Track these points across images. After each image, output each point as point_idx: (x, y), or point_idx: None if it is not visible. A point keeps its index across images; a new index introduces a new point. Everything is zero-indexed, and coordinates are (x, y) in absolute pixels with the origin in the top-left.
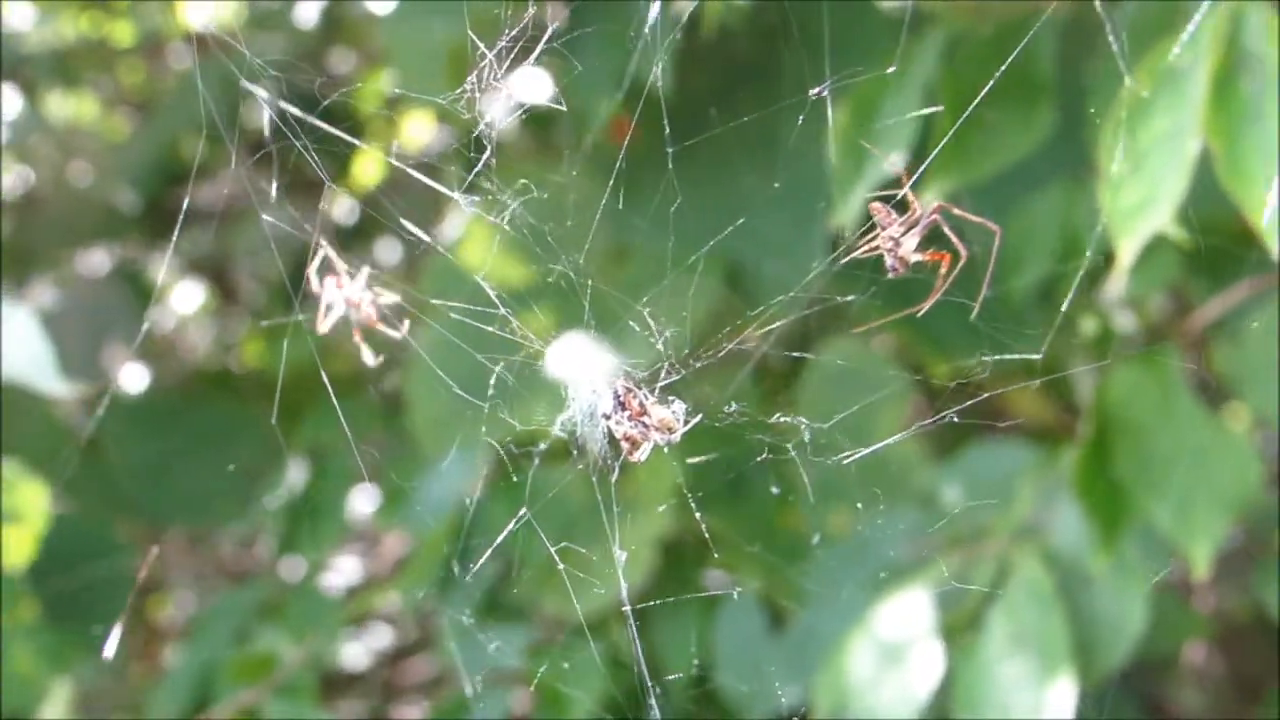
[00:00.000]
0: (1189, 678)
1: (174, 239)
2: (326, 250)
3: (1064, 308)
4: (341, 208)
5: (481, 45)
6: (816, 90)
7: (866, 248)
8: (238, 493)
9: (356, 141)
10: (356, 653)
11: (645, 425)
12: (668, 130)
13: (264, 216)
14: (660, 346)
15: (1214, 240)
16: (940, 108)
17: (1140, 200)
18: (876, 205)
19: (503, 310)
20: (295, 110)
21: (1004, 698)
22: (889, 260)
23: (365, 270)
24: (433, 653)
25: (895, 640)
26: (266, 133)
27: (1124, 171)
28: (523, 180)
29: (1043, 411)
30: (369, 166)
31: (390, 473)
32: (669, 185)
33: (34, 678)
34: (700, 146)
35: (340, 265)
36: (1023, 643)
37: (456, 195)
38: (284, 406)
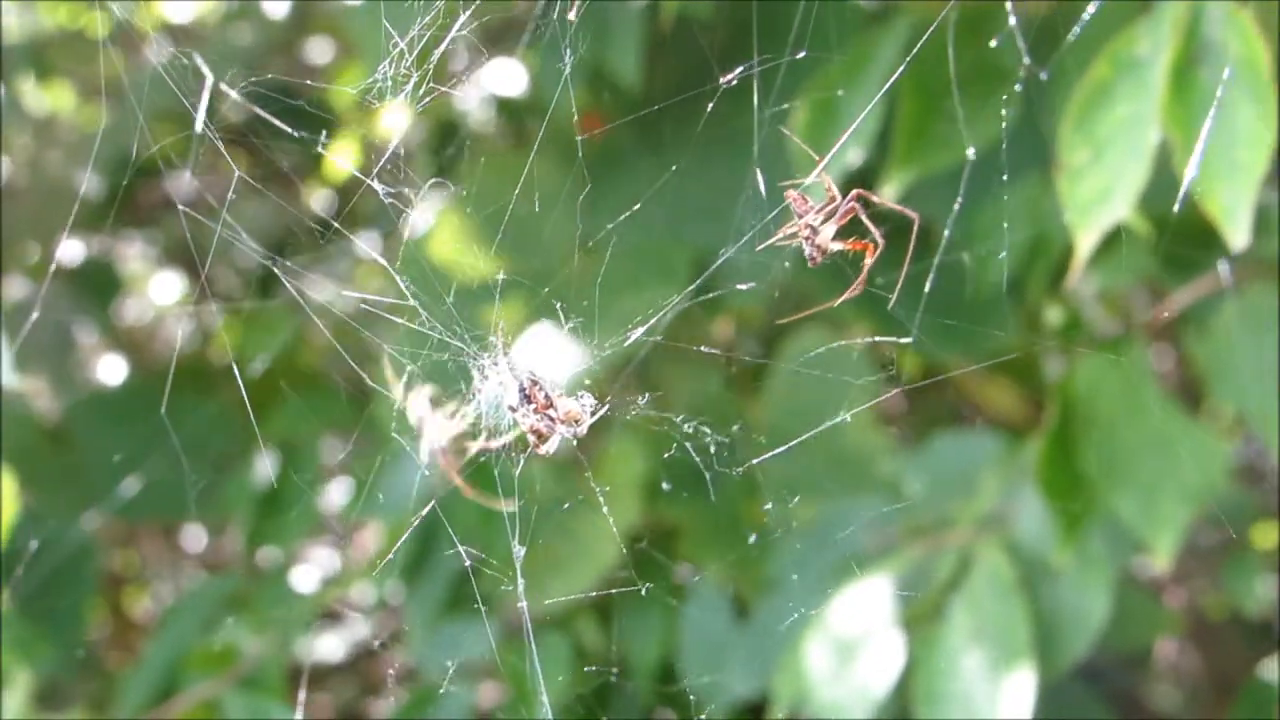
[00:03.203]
0: (1165, 674)
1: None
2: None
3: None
4: (318, 200)
5: (395, 35)
6: (727, 79)
7: (783, 236)
8: (208, 485)
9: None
10: (332, 646)
11: (551, 418)
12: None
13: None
14: (568, 333)
15: (1181, 232)
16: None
17: (1100, 190)
18: (792, 193)
19: (414, 302)
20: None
21: (965, 689)
22: (807, 249)
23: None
24: (404, 646)
25: (854, 633)
26: (198, 119)
27: (1084, 162)
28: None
29: (1011, 405)
30: (341, 159)
31: (358, 466)
32: (636, 178)
33: (3, 668)
34: (663, 143)
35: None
36: (984, 634)
37: (375, 184)
38: (257, 398)
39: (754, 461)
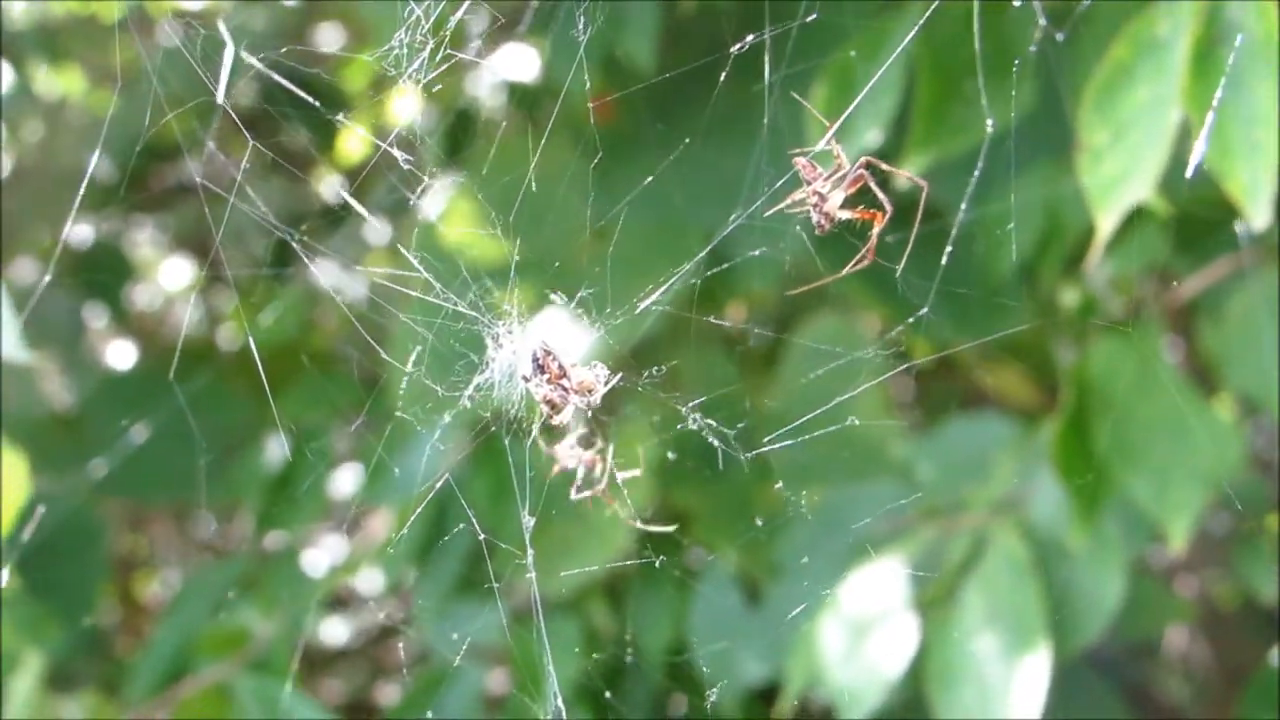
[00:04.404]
0: (1174, 665)
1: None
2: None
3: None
4: (330, 183)
5: (413, 3)
6: (738, 45)
7: (791, 202)
8: (218, 467)
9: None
10: (342, 631)
11: (565, 388)
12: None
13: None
14: (579, 311)
15: (1197, 215)
16: None
17: (1120, 172)
18: (800, 160)
19: (425, 274)
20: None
21: (978, 671)
22: (815, 216)
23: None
24: (414, 630)
25: (867, 615)
26: (220, 89)
27: (1104, 143)
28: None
29: (1023, 391)
30: (356, 135)
31: (369, 449)
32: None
33: (11, 649)
34: (682, 122)
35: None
36: (998, 616)
37: (395, 151)
38: (267, 382)
39: (766, 447)
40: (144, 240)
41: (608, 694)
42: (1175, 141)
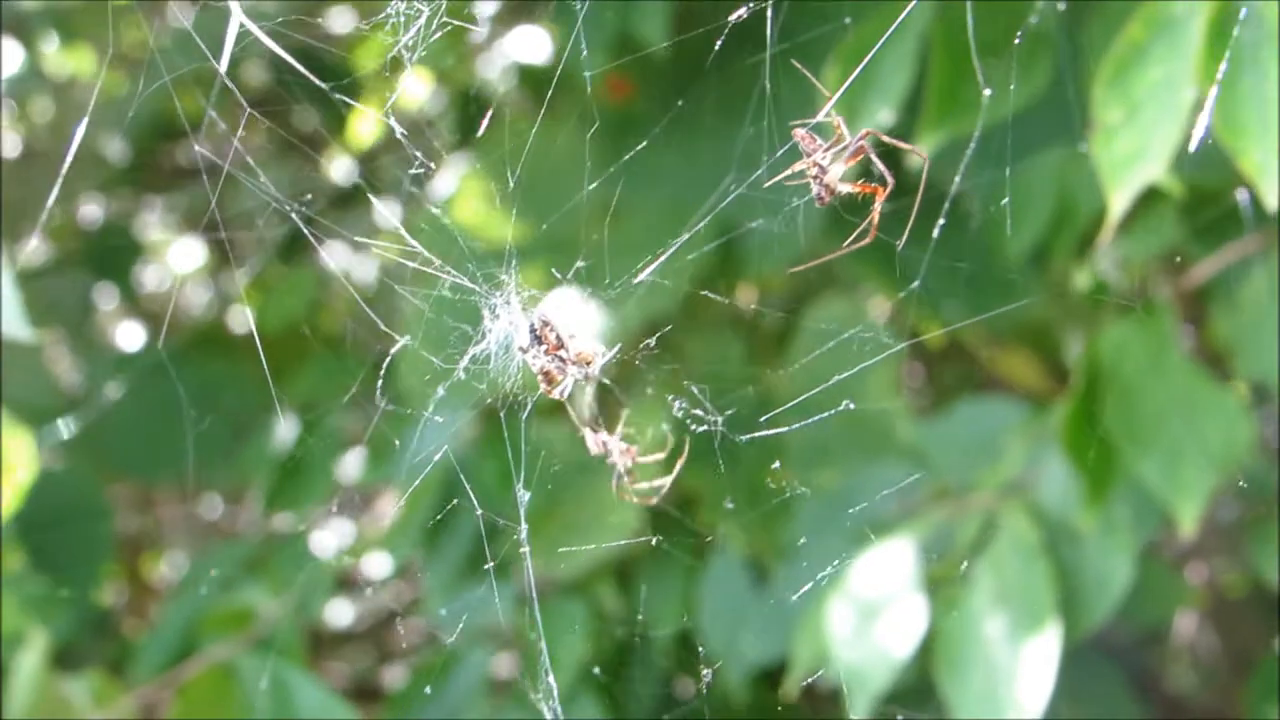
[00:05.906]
0: (1183, 654)
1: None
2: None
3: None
4: (340, 167)
5: None
6: (735, 15)
7: (791, 173)
8: (227, 450)
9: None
10: (349, 613)
11: (562, 360)
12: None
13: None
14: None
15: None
16: None
17: (1133, 150)
18: (800, 131)
19: (415, 244)
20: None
21: (987, 652)
22: (815, 188)
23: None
24: (419, 613)
25: (876, 596)
26: (224, 58)
27: (1117, 121)
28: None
29: (1032, 376)
30: (365, 124)
31: (378, 430)
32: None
33: (17, 628)
34: (695, 104)
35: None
36: (1007, 598)
37: (391, 121)
38: (275, 363)
39: (760, 432)
40: (154, 221)
41: (615, 676)
42: (1189, 121)
